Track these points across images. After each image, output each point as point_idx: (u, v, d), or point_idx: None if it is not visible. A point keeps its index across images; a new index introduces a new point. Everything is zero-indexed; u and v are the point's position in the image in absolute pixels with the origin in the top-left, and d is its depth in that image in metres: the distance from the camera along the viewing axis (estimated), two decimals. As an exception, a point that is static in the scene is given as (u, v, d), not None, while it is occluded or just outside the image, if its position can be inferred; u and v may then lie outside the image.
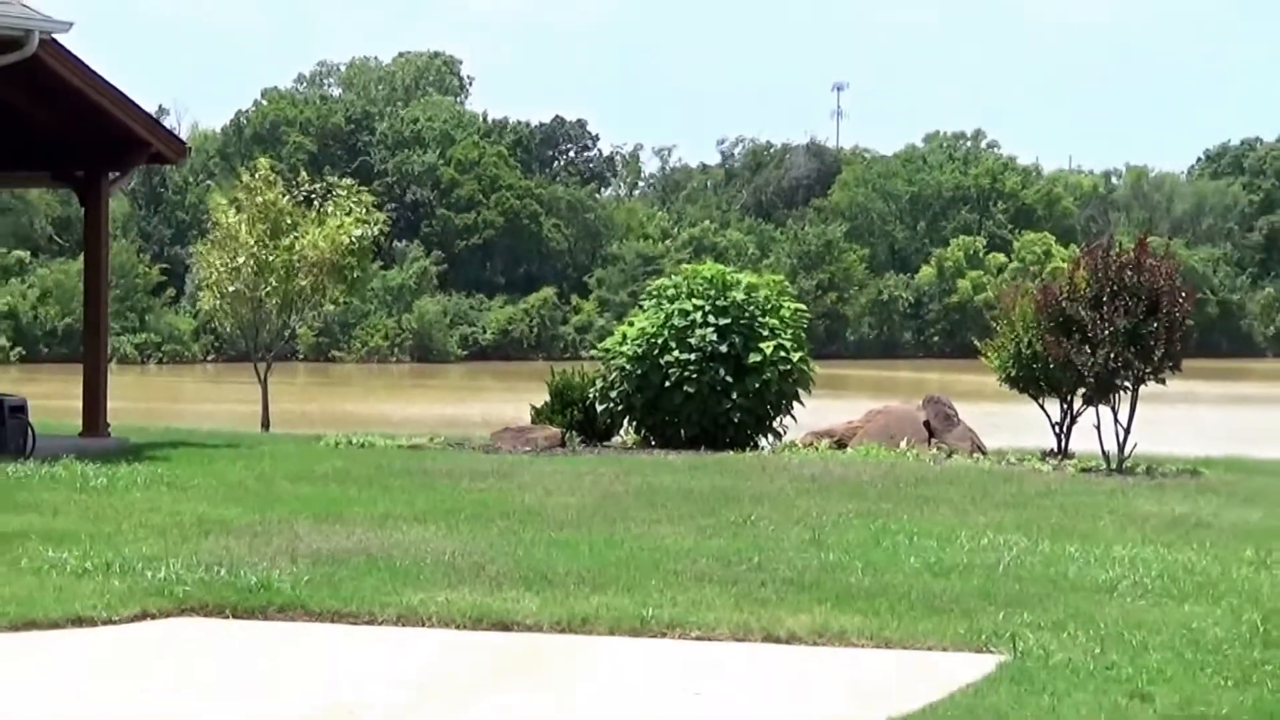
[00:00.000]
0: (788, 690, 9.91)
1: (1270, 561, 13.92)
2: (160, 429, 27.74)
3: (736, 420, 24.22)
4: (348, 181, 35.68)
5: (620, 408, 24.73)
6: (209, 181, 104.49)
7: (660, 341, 24.48)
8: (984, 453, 23.66)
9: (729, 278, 25.40)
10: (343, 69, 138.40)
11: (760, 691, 9.88)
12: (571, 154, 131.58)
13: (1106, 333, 21.30)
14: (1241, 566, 13.67)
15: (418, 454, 22.41)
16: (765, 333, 24.66)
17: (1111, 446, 21.72)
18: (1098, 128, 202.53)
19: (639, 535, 14.84)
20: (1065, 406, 23.43)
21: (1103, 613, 11.60)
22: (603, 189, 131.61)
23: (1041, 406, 23.97)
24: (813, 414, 25.94)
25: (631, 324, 25.38)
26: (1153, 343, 21.33)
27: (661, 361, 24.32)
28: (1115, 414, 21.87)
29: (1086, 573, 13.20)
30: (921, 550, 14.16)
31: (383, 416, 52.86)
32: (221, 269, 32.71)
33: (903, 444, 23.63)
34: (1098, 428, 21.96)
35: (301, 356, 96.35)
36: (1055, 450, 23.38)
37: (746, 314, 24.76)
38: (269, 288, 32.46)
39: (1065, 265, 29.66)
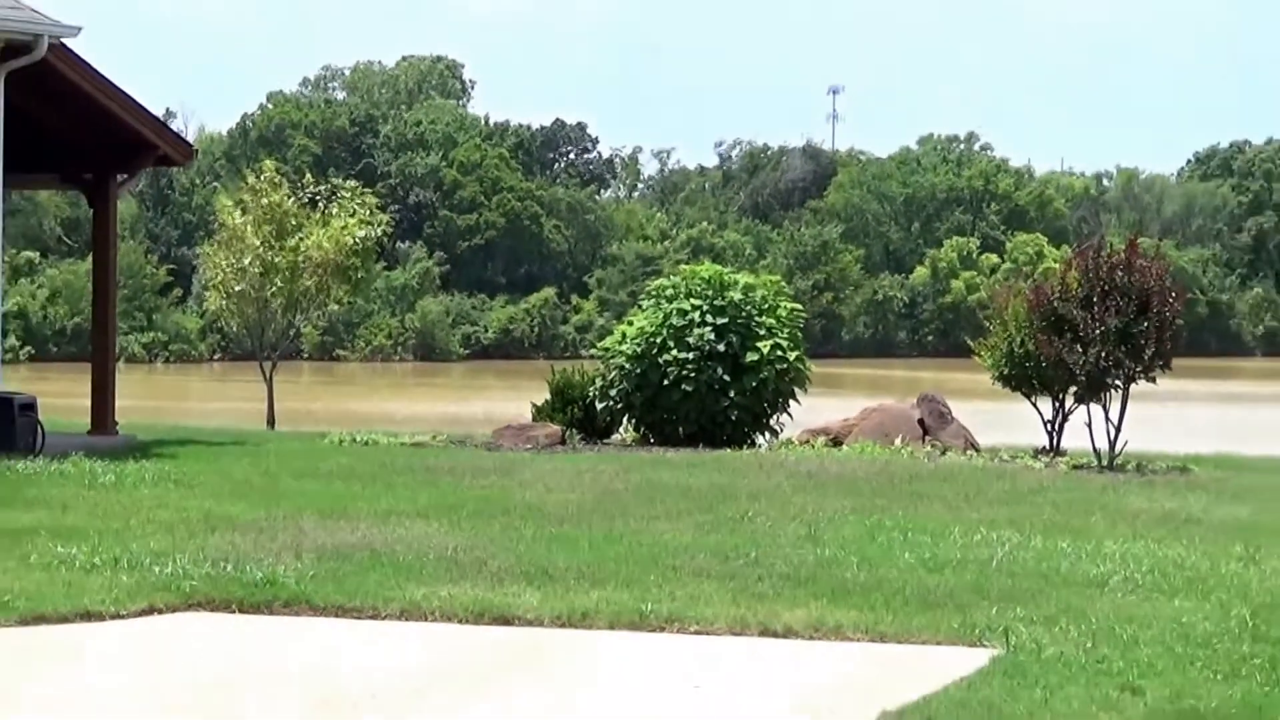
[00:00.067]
0: (784, 683, 9.95)
1: (1258, 557, 13.95)
2: (167, 427, 27.80)
3: (734, 418, 24.33)
4: (352, 183, 35.88)
5: (620, 406, 24.83)
6: (215, 183, 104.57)
7: (659, 341, 24.58)
8: (977, 450, 23.75)
9: (726, 278, 25.48)
10: (347, 73, 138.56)
11: (757, 684, 9.93)
12: (572, 156, 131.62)
13: (1098, 332, 21.40)
14: (1230, 562, 13.70)
15: (421, 451, 22.45)
16: (762, 332, 24.75)
17: (1103, 444, 21.83)
18: (1089, 130, 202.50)
19: (638, 531, 14.87)
20: (1057, 405, 23.46)
21: (1094, 607, 11.63)
22: (602, 191, 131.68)
23: (1034, 405, 24.00)
24: (809, 412, 25.96)
25: (631, 323, 25.45)
26: (1143, 342, 21.42)
27: (660, 360, 24.42)
28: (1106, 412, 21.96)
29: (1078, 568, 13.24)
30: (916, 546, 14.17)
31: (386, 414, 52.96)
32: (228, 269, 32.92)
33: (897, 441, 23.73)
34: (1089, 425, 22.06)
35: (306, 355, 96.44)
36: (1047, 448, 23.43)
37: (744, 314, 24.86)
38: (274, 288, 32.67)
39: (1057, 266, 29.74)
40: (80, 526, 14.49)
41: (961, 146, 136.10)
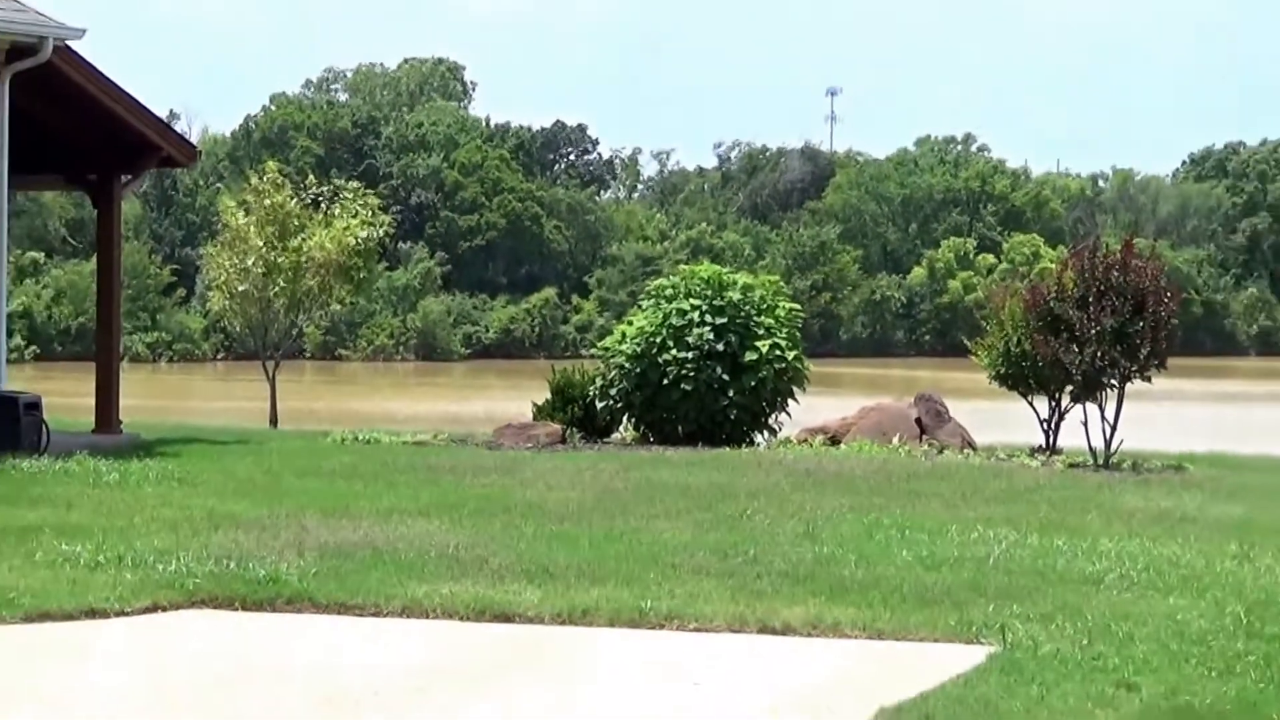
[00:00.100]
0: (783, 680, 9.98)
1: (1253, 555, 13.97)
2: (171, 426, 27.81)
3: (733, 417, 24.39)
4: (354, 184, 36.01)
5: (620, 405, 24.88)
6: (219, 184, 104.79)
7: (659, 340, 24.64)
8: (974, 449, 23.82)
9: (725, 278, 25.53)
10: (349, 75, 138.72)
11: (756, 681, 9.96)
12: (572, 157, 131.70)
13: (1093, 332, 21.45)
14: (1225, 560, 13.72)
15: (422, 450, 22.47)
16: (761, 332, 24.81)
17: (1098, 443, 21.90)
18: (1085, 132, 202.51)
19: (638, 529, 14.89)
20: (1053, 404, 23.54)
21: (1090, 605, 11.65)
22: (602, 192, 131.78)
23: (1030, 404, 24.07)
24: (807, 411, 25.98)
25: (630, 323, 25.49)
26: (1139, 341, 21.46)
27: (660, 360, 24.48)
28: (1102, 411, 22.00)
29: (1074, 566, 13.26)
30: (913, 544, 14.20)
31: (388, 414, 53.04)
32: (231, 270, 33.05)
33: (895, 440, 23.80)
34: (1085, 424, 22.10)
35: (309, 355, 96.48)
36: (1044, 446, 23.51)
37: (743, 313, 24.91)
38: (277, 288, 32.79)
39: (1053, 266, 29.85)
40: (85, 524, 14.53)
41: (958, 148, 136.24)
